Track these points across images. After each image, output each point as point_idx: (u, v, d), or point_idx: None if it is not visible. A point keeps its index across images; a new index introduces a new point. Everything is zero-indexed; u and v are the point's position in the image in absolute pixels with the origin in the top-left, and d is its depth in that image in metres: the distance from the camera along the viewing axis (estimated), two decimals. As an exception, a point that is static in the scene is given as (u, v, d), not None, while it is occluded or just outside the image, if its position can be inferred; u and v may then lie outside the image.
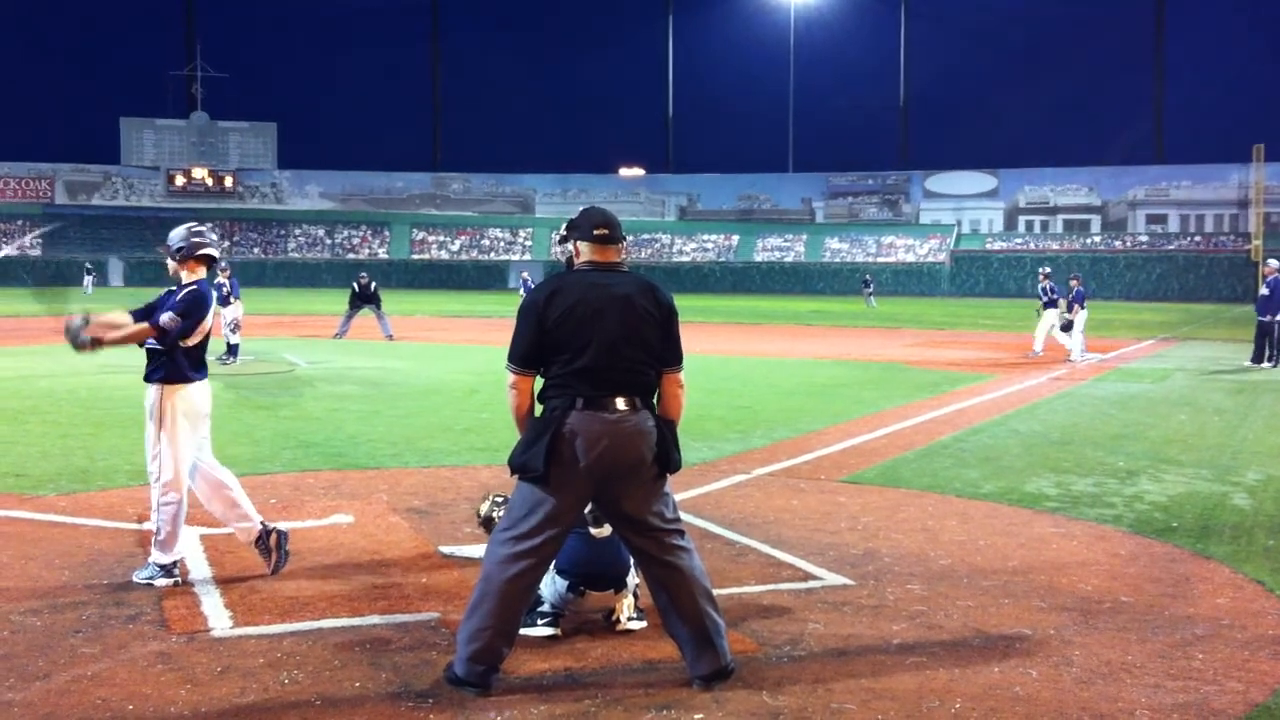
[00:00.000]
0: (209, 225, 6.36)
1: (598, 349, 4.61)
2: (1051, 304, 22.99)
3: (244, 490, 6.45)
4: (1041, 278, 23.89)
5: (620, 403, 4.63)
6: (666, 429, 4.78)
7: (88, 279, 59.55)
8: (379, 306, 26.28)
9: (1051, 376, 18.90)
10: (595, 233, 4.77)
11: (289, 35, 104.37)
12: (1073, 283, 22.77)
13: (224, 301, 19.61)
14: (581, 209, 4.98)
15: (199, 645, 5.11)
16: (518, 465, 4.67)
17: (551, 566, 5.36)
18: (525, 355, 4.71)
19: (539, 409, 4.75)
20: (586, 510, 5.22)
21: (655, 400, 4.84)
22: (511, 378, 4.76)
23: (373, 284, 26.69)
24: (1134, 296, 71.84)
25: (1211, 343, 29.13)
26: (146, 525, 7.18)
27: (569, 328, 4.60)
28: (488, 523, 6.01)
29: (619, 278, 4.76)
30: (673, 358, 4.82)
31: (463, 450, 10.66)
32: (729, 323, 37.47)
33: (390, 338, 25.35)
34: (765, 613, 5.68)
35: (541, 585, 5.37)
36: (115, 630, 5.30)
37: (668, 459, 4.76)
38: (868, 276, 60.94)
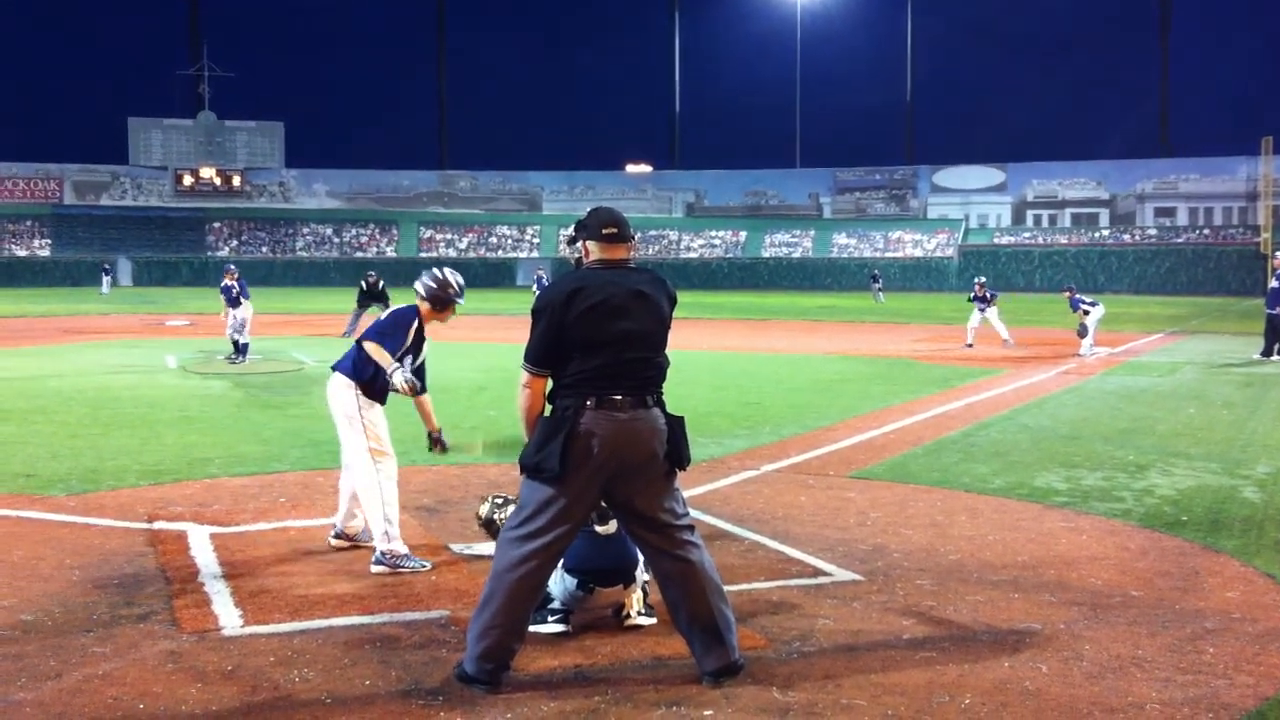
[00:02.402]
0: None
1: (616, 347, 4.61)
2: (982, 302, 24.30)
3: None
4: (978, 287, 25.02)
5: (632, 400, 4.63)
6: (677, 426, 4.79)
7: (105, 279, 59.76)
8: (387, 304, 26.31)
9: (1060, 371, 18.87)
10: (604, 231, 4.77)
11: (295, 34, 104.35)
12: (1066, 293, 23.72)
13: (234, 302, 19.91)
14: (590, 209, 4.99)
15: (209, 644, 5.12)
16: (531, 465, 4.65)
17: (560, 565, 5.37)
18: (543, 356, 4.69)
19: (548, 408, 4.75)
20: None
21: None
22: (526, 377, 4.76)
23: (380, 282, 26.73)
24: (1142, 290, 71.67)
25: (1220, 336, 29.04)
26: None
27: (588, 326, 4.59)
28: (489, 524, 6.04)
29: (632, 274, 4.77)
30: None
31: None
32: (736, 319, 37.45)
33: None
34: (775, 609, 5.68)
35: (550, 583, 5.38)
36: (126, 629, 5.31)
37: (679, 456, 4.76)
38: (876, 272, 60.86)
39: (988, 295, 24.46)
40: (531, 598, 4.69)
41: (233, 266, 21.68)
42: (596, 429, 4.57)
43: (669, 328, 4.85)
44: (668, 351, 4.88)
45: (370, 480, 6.56)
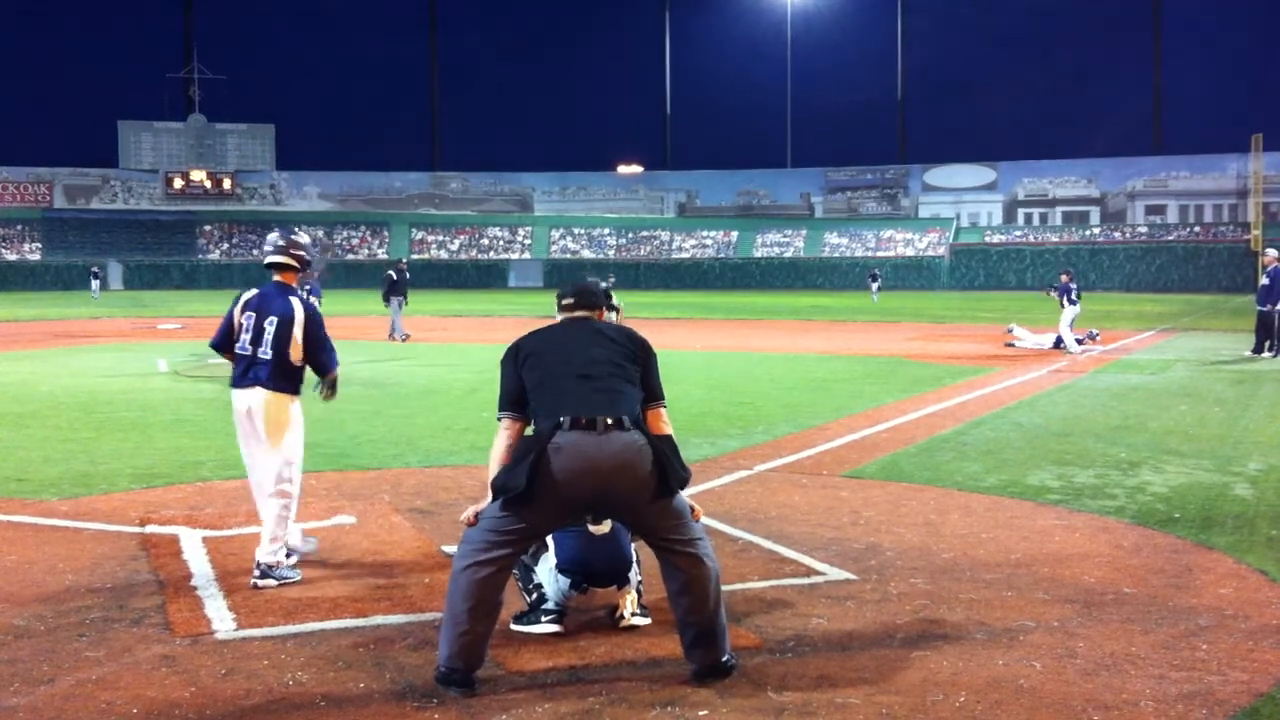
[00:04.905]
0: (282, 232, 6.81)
1: (577, 363, 4.75)
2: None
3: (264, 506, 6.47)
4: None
5: (606, 421, 4.63)
6: (664, 445, 4.75)
7: (95, 283, 59.72)
8: (405, 301, 26.13)
9: (1051, 369, 18.91)
10: (563, 302, 5.13)
11: (286, 36, 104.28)
12: (1063, 278, 23.22)
13: None
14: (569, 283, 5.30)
15: (203, 648, 5.11)
16: (499, 486, 4.67)
17: (553, 565, 5.37)
18: (509, 397, 4.90)
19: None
20: None
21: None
22: (502, 425, 4.92)
23: (408, 274, 26.34)
24: (1134, 288, 71.88)
25: (1212, 333, 29.12)
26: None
27: (546, 353, 4.84)
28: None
29: (594, 322, 5.05)
30: (656, 393, 4.97)
31: (464, 449, 10.67)
32: (729, 319, 37.47)
33: (393, 338, 25.40)
34: (769, 608, 5.68)
35: (544, 583, 5.38)
36: (119, 634, 5.30)
37: (667, 476, 4.69)
38: (876, 271, 61.06)
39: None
40: (494, 595, 4.67)
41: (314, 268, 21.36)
42: (569, 447, 4.57)
43: (634, 356, 4.89)
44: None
45: (296, 491, 6.39)
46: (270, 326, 6.32)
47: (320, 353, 6.45)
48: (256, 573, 6.13)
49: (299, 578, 6.20)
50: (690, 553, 4.72)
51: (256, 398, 6.31)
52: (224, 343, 6.49)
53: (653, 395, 4.94)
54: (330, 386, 6.61)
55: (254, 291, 6.52)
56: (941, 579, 6.24)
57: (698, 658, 4.70)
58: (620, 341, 4.92)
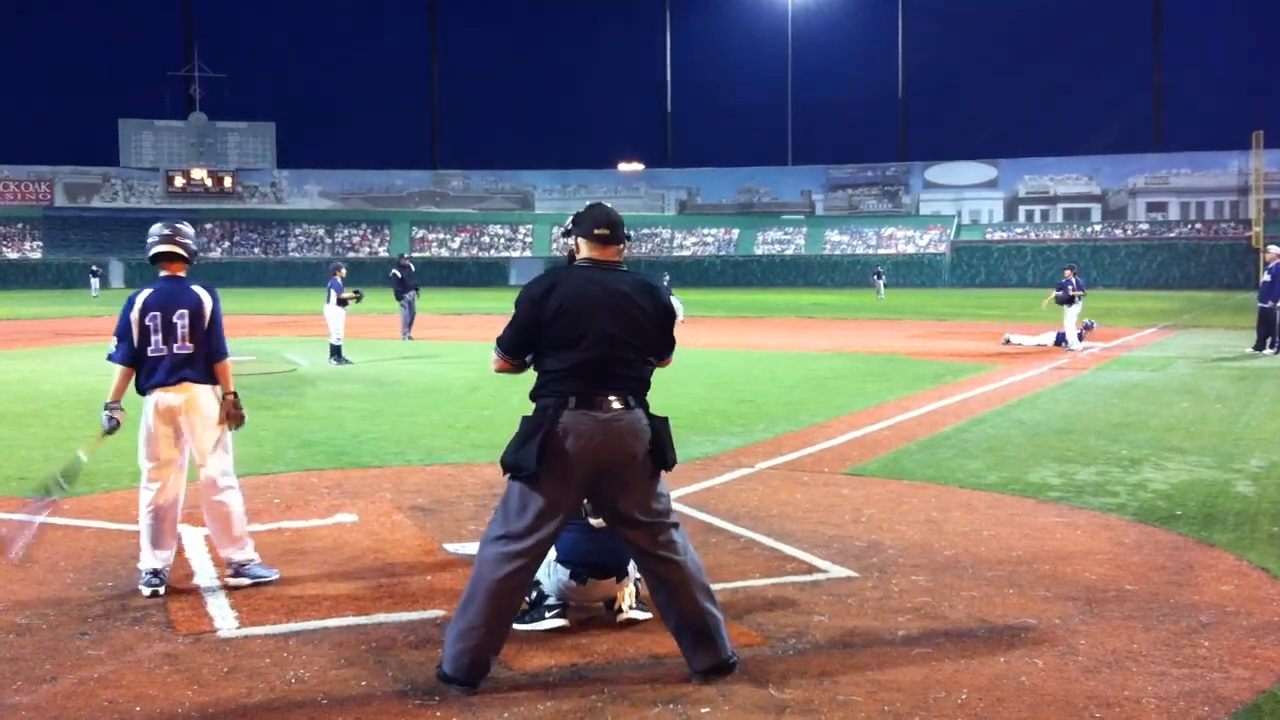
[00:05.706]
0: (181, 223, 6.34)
1: (592, 344, 4.61)
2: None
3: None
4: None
5: (613, 401, 4.63)
6: (661, 426, 4.77)
7: (94, 281, 59.76)
8: (417, 295, 25.97)
9: (1052, 366, 18.90)
10: (596, 232, 4.79)
11: (286, 34, 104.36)
12: (1067, 273, 22.99)
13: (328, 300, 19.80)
14: (588, 205, 4.97)
15: (205, 646, 5.12)
16: (510, 464, 4.66)
17: (552, 557, 5.36)
18: (514, 346, 4.76)
19: (531, 408, 4.75)
20: (584, 501, 5.22)
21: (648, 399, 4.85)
22: (495, 359, 4.83)
23: (412, 268, 26.23)
24: (1135, 285, 71.82)
25: (1213, 330, 29.10)
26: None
27: (565, 322, 4.62)
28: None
29: (617, 276, 4.77)
30: (666, 351, 4.92)
31: (465, 447, 10.67)
32: (730, 316, 37.47)
33: (406, 334, 25.44)
34: (770, 606, 5.68)
35: (542, 579, 5.38)
36: (121, 632, 5.31)
37: (663, 457, 4.74)
38: (879, 269, 61.12)
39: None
40: (513, 599, 4.67)
41: (337, 264, 21.10)
42: (575, 428, 4.57)
43: (658, 333, 4.80)
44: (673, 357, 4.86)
45: (236, 482, 6.29)
46: (182, 321, 6.10)
47: (222, 339, 6.25)
48: (229, 571, 6.09)
49: (275, 576, 6.14)
50: (670, 558, 4.71)
51: (188, 396, 6.10)
52: (134, 353, 6.11)
53: (666, 352, 4.90)
54: (235, 411, 6.23)
55: (148, 290, 6.24)
56: (943, 576, 6.24)
57: (698, 660, 4.69)
58: (649, 311, 4.72)
